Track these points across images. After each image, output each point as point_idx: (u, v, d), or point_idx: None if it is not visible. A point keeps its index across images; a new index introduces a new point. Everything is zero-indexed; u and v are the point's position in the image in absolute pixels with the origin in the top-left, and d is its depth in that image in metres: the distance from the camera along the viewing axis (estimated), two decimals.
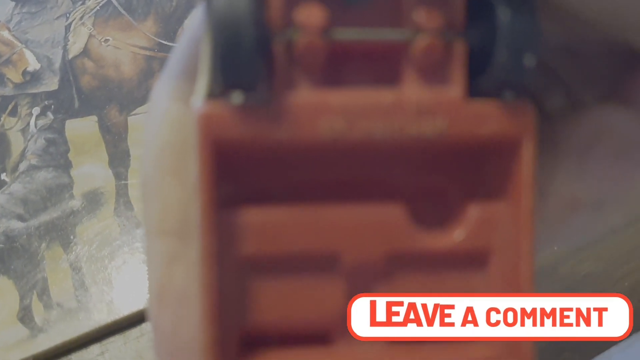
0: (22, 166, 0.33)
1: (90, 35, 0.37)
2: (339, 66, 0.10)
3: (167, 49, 0.36)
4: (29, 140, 0.34)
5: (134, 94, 0.35)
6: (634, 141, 0.12)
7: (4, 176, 0.33)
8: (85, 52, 0.37)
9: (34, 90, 0.35)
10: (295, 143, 0.10)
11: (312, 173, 0.10)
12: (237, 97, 0.09)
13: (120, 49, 0.37)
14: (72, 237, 0.31)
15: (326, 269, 0.10)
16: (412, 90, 0.10)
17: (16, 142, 0.34)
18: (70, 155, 0.33)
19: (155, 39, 0.37)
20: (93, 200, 0.32)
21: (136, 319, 0.29)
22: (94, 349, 0.28)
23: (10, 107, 0.35)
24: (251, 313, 0.10)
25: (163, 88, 0.11)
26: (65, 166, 0.33)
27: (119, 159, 0.33)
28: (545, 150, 0.11)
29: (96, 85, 0.35)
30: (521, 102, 0.10)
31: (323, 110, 0.10)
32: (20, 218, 0.31)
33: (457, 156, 0.11)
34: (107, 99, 0.35)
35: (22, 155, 0.33)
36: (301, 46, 0.09)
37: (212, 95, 0.10)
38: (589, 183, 0.12)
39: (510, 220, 0.10)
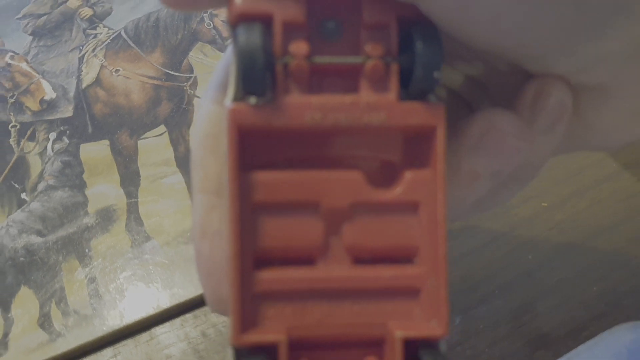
0: (41, 186, 0.36)
1: (102, 66, 0.40)
2: (319, 80, 0.15)
3: (173, 78, 0.39)
4: (46, 163, 0.37)
5: (143, 120, 0.38)
6: (514, 135, 0.16)
7: (24, 195, 0.35)
8: (97, 81, 0.40)
9: (51, 117, 0.38)
10: (289, 128, 0.14)
11: (300, 149, 0.15)
12: (252, 100, 0.14)
13: (130, 78, 0.40)
14: (87, 250, 0.33)
15: (310, 213, 0.15)
16: (364, 94, 0.15)
17: (35, 165, 0.37)
18: (85, 176, 0.36)
19: (162, 69, 0.40)
20: (106, 217, 0.34)
21: (145, 324, 0.31)
22: (107, 352, 0.31)
23: (29, 132, 0.38)
24: (260, 241, 0.15)
25: (206, 95, 0.17)
26: (80, 186, 0.35)
27: (129, 179, 0.36)
28: (453, 137, 0.16)
29: (108, 112, 0.38)
30: (437, 103, 0.15)
31: (307, 107, 0.14)
32: (39, 233, 0.34)
33: (396, 139, 0.16)
34: (118, 125, 0.38)
35: (40, 177, 0.36)
36: (293, 67, 0.14)
37: (236, 98, 0.14)
38: (482, 160, 0.17)
39: (431, 181, 0.15)
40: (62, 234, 0.34)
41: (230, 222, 0.14)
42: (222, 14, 0.42)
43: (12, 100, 0.39)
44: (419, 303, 0.15)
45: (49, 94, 0.39)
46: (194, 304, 0.32)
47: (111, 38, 0.42)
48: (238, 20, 0.14)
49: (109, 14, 0.43)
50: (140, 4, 0.44)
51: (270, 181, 0.15)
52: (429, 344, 0.15)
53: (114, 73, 0.40)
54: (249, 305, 0.15)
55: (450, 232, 0.33)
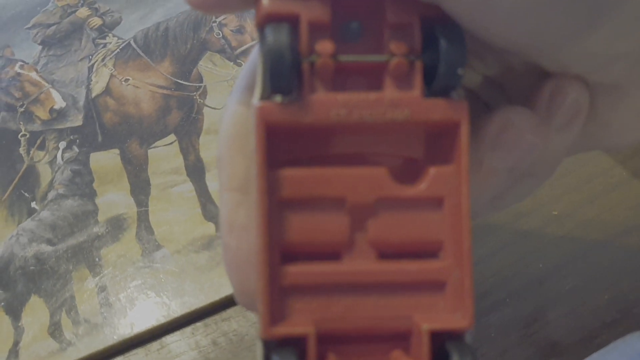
0: (51, 195, 0.36)
1: (112, 76, 0.41)
2: (343, 78, 0.15)
3: (182, 87, 0.40)
4: (56, 172, 0.37)
5: (153, 129, 0.38)
6: (531, 131, 0.17)
7: (34, 204, 0.36)
8: (107, 91, 0.40)
9: (61, 126, 0.39)
10: (315, 124, 0.15)
11: (326, 146, 0.16)
12: (279, 98, 0.15)
13: (140, 87, 0.40)
14: (97, 259, 0.33)
15: (336, 208, 0.15)
16: (388, 91, 0.15)
17: (45, 174, 0.37)
18: (95, 185, 0.36)
19: (172, 78, 0.40)
20: (116, 225, 0.34)
21: (156, 333, 0.31)
22: None
23: (38, 141, 0.38)
24: (287, 236, 0.15)
25: (232, 97, 0.18)
26: (90, 195, 0.36)
27: (139, 188, 0.36)
28: (472, 134, 0.16)
29: (118, 121, 0.39)
30: (460, 100, 0.15)
31: (332, 104, 0.15)
32: (50, 242, 0.34)
33: (419, 136, 0.16)
34: (128, 133, 0.38)
35: (50, 185, 0.36)
36: (319, 65, 0.15)
37: (263, 97, 0.15)
38: (500, 156, 0.17)
39: (455, 176, 0.15)
40: (73, 243, 0.34)
41: (258, 216, 0.15)
42: (230, 23, 0.42)
43: (22, 109, 0.40)
44: (444, 296, 0.16)
45: (59, 103, 0.40)
46: (204, 313, 0.32)
47: (120, 47, 0.42)
48: (266, 21, 0.15)
49: (118, 23, 0.44)
50: (149, 14, 0.44)
51: (297, 177, 0.15)
52: (455, 336, 0.15)
53: (123, 82, 0.40)
54: (277, 299, 0.15)
55: None
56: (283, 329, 0.15)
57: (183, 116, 0.38)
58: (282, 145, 0.16)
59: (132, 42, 0.42)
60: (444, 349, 0.15)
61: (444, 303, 0.16)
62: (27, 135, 0.38)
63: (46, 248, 0.34)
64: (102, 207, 0.35)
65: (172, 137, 0.38)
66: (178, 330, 0.31)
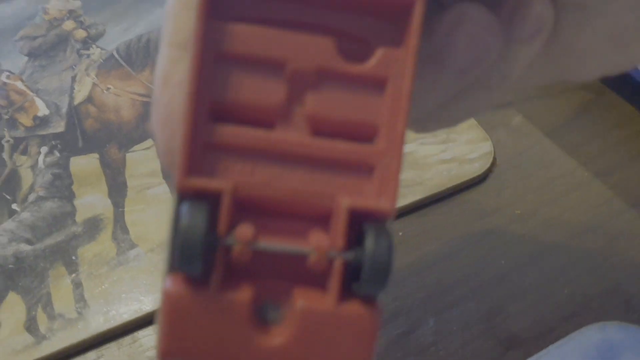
0: (31, 197, 0.37)
1: (94, 84, 0.42)
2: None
3: None
4: (37, 175, 0.38)
5: (132, 135, 0.39)
6: (486, 28, 0.16)
7: (14, 206, 0.37)
8: (89, 99, 0.41)
9: (43, 132, 0.40)
10: None
11: (276, 9, 0.15)
12: None
13: (120, 96, 0.41)
14: (73, 257, 0.34)
15: (275, 73, 0.15)
16: None
17: (26, 177, 0.38)
18: (74, 187, 0.37)
19: (152, 86, 0.41)
20: (93, 225, 0.35)
21: (129, 328, 0.32)
22: (91, 354, 0.31)
23: (21, 147, 0.39)
24: (220, 92, 0.15)
25: None
26: (69, 197, 0.37)
27: (117, 191, 0.37)
28: (427, 28, 0.16)
29: (98, 127, 0.40)
30: None
31: None
32: (28, 242, 0.35)
33: (374, 14, 0.15)
34: (107, 139, 0.39)
35: (31, 188, 0.37)
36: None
37: None
38: (452, 51, 0.16)
39: (403, 59, 0.15)
40: (51, 242, 0.35)
41: (191, 66, 0.14)
42: None
43: (7, 116, 0.41)
44: (371, 180, 0.15)
45: (42, 110, 0.41)
46: None
47: (103, 58, 0.44)
48: None
49: (102, 35, 0.45)
50: (132, 26, 0.45)
51: (239, 32, 0.14)
52: (375, 220, 0.15)
53: (105, 91, 0.42)
54: (198, 153, 0.14)
55: (427, 237, 0.34)
56: (198, 181, 0.14)
57: None
58: (230, 1, 0.15)
59: (114, 53, 0.44)
60: (361, 230, 0.15)
61: (370, 187, 0.15)
62: (11, 141, 0.40)
63: (25, 247, 0.35)
64: (80, 209, 0.36)
65: (149, 142, 0.39)
66: (150, 326, 0.32)
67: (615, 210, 0.35)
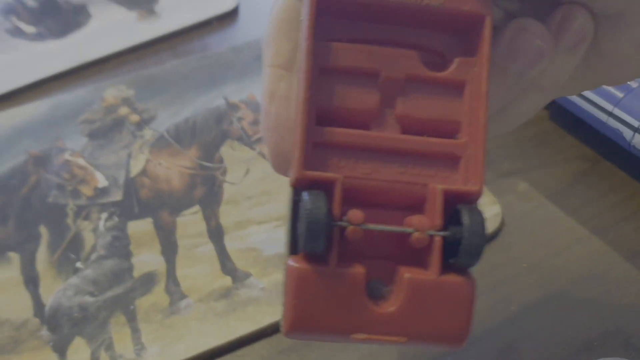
0: (93, 256, 0.42)
1: (147, 160, 0.48)
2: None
3: (206, 168, 0.47)
4: (98, 237, 0.43)
5: (181, 201, 0.45)
6: (540, 37, 0.19)
7: (78, 264, 0.42)
8: (143, 172, 0.47)
9: (103, 201, 0.45)
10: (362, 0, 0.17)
11: (366, 30, 0.18)
12: None
13: (171, 169, 0.47)
14: (131, 307, 0.39)
15: (370, 81, 0.17)
16: None
17: (88, 239, 0.43)
18: (131, 247, 0.42)
19: (198, 161, 0.47)
20: (148, 280, 0.40)
21: None
22: None
23: (84, 213, 0.45)
24: (324, 100, 0.17)
25: None
26: (127, 255, 0.42)
27: (169, 249, 0.42)
28: (492, 40, 0.19)
29: (152, 195, 0.45)
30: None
31: None
32: (91, 294, 0.40)
33: (448, 29, 0.18)
34: (160, 205, 0.45)
35: (93, 248, 0.42)
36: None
37: None
38: (512, 57, 0.19)
39: (478, 64, 0.18)
40: (111, 295, 0.40)
41: (301, 80, 0.16)
42: (248, 117, 0.50)
43: (71, 188, 0.47)
44: (458, 170, 0.17)
45: (102, 182, 0.47)
46: (223, 350, 0.37)
47: (155, 138, 0.50)
48: None
49: (154, 119, 0.52)
50: (180, 111, 0.52)
51: (338, 49, 0.17)
52: (466, 201, 0.17)
53: (157, 165, 0.47)
54: (310, 151, 0.16)
55: None
56: (314, 173, 0.16)
57: (206, 190, 0.45)
58: (328, 23, 0.17)
59: (165, 134, 0.50)
60: (455, 212, 0.16)
61: (458, 175, 0.17)
62: (75, 209, 0.45)
63: (89, 299, 0.39)
64: (137, 265, 0.41)
65: (197, 208, 0.44)
66: None
67: (612, 262, 0.39)
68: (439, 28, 0.18)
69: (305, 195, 0.16)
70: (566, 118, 0.47)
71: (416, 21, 0.18)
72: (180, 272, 0.40)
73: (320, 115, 0.17)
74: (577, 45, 0.20)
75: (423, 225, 0.17)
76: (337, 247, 0.16)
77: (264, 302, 0.39)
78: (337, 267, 0.16)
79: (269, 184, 0.45)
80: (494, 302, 0.38)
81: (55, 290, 0.40)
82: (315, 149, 0.17)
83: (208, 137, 0.49)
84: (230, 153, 0.48)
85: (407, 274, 0.17)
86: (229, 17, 0.61)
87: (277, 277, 0.40)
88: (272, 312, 0.38)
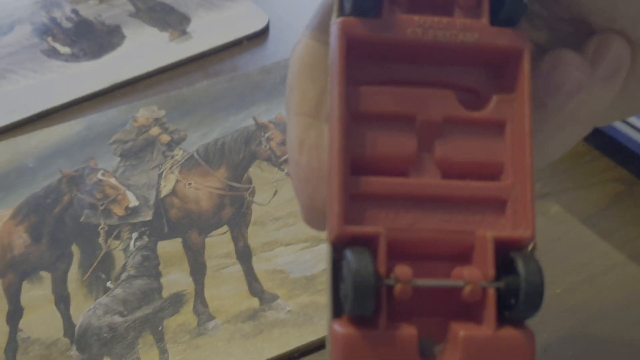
0: (123, 276, 0.42)
1: (177, 180, 0.48)
2: (417, 3, 0.16)
3: (235, 189, 0.47)
4: (128, 257, 0.43)
5: (210, 221, 0.45)
6: (578, 68, 0.18)
7: (109, 284, 0.42)
8: (173, 192, 0.48)
9: (134, 221, 0.46)
10: (393, 40, 0.16)
11: (398, 70, 0.17)
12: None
13: (200, 189, 0.47)
14: (160, 328, 0.39)
15: (406, 126, 0.16)
16: (459, 18, 0.16)
17: (119, 258, 0.44)
18: (160, 267, 0.42)
19: (227, 181, 0.48)
20: (177, 300, 0.40)
21: None
22: None
23: (115, 233, 0.45)
24: (359, 148, 0.16)
25: (305, 33, 0.19)
26: (156, 275, 0.42)
27: (197, 270, 0.42)
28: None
29: (181, 216, 0.46)
30: (522, 31, 0.17)
31: (410, 23, 0.16)
32: (121, 314, 0.40)
33: (483, 66, 0.17)
34: (189, 226, 0.45)
35: (123, 268, 0.43)
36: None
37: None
38: (549, 91, 0.18)
39: (518, 100, 0.17)
40: (140, 315, 0.40)
41: (333, 128, 0.15)
42: (276, 138, 0.50)
43: (102, 207, 0.47)
44: (505, 214, 0.16)
45: (133, 202, 0.47)
46: None
47: (185, 158, 0.50)
48: None
49: (184, 139, 0.52)
50: (209, 132, 0.52)
51: (372, 93, 0.16)
52: (517, 248, 0.15)
53: (187, 185, 0.48)
54: (347, 204, 0.15)
55: None
56: (355, 228, 0.15)
57: (235, 211, 0.45)
58: (358, 66, 0.16)
59: (195, 154, 0.50)
60: (507, 260, 0.15)
61: (505, 220, 0.16)
62: (106, 228, 0.46)
63: (118, 319, 0.40)
64: (166, 285, 0.41)
65: (225, 228, 0.44)
66: None
67: None
68: (472, 64, 0.18)
69: (348, 254, 0.15)
70: (601, 139, 0.46)
71: (449, 59, 0.17)
72: (208, 293, 0.41)
73: (355, 164, 0.16)
74: (615, 75, 0.19)
75: (475, 278, 0.16)
76: (386, 307, 0.15)
77: (291, 325, 0.38)
78: (387, 330, 0.15)
79: (296, 206, 0.45)
80: None
81: (85, 310, 0.41)
82: (353, 201, 0.16)
83: (237, 157, 0.49)
84: (259, 174, 0.48)
85: (461, 331, 0.16)
86: (259, 37, 0.61)
87: (303, 299, 0.40)
88: (298, 335, 0.38)
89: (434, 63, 0.17)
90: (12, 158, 0.52)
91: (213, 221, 0.45)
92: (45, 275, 0.43)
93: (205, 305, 0.40)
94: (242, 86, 0.56)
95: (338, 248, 0.16)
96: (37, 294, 0.42)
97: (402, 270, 0.15)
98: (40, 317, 0.40)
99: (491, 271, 0.15)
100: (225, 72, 0.58)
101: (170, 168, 0.50)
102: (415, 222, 0.16)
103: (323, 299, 0.39)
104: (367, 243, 0.15)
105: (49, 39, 0.64)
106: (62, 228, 0.46)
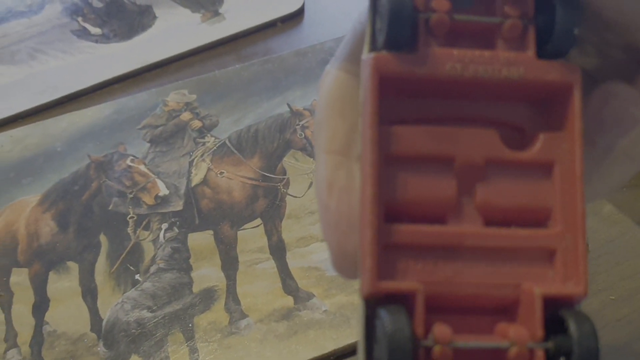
0: (153, 269, 0.41)
1: (209, 169, 0.47)
2: (456, 37, 0.15)
3: (268, 179, 0.45)
4: (158, 249, 0.42)
5: (242, 213, 0.43)
6: (633, 103, 0.17)
7: (137, 276, 0.41)
8: (204, 181, 0.46)
9: (164, 210, 0.44)
10: (430, 77, 0.15)
11: (435, 107, 0.16)
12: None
13: (232, 179, 0.46)
14: (190, 325, 0.38)
15: (444, 168, 0.15)
16: (502, 51, 0.15)
17: (148, 250, 0.42)
18: (191, 261, 0.41)
19: (260, 171, 0.46)
20: (208, 296, 0.39)
21: None
22: None
23: (144, 223, 0.44)
24: (393, 194, 0.15)
25: (333, 64, 0.18)
26: (186, 269, 0.40)
27: (229, 264, 0.40)
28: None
29: (213, 207, 0.44)
30: (572, 64, 0.15)
31: (448, 58, 0.15)
32: (150, 309, 0.39)
33: (528, 101, 0.16)
34: (221, 217, 0.43)
35: (153, 260, 0.41)
36: (434, 21, 0.15)
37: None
38: (601, 129, 0.17)
39: (568, 140, 0.15)
40: (169, 311, 0.38)
41: (365, 171, 0.14)
42: (312, 126, 0.48)
43: (131, 195, 0.46)
44: (554, 265, 0.15)
45: (163, 191, 0.46)
46: None
47: (217, 146, 0.48)
48: None
49: (216, 125, 0.50)
50: (242, 118, 0.50)
51: (407, 134, 0.15)
52: (568, 304, 0.14)
53: (218, 175, 0.46)
54: (382, 256, 0.14)
55: None
56: (390, 284, 0.14)
57: (268, 203, 0.43)
58: (391, 103, 0.15)
59: (227, 142, 0.49)
60: (556, 318, 0.14)
61: (554, 272, 0.15)
62: (135, 218, 0.44)
63: (146, 314, 0.38)
64: (197, 280, 0.40)
65: (258, 221, 0.43)
66: None
67: None
68: (517, 100, 0.16)
69: (383, 314, 0.14)
70: None
71: (492, 95, 0.16)
72: (240, 289, 0.39)
73: (388, 210, 0.15)
74: None
75: (522, 338, 0.14)
76: None
77: (327, 326, 0.37)
78: None
79: None
80: None
81: (113, 303, 0.39)
82: (387, 252, 0.15)
83: (270, 146, 0.47)
84: (293, 164, 0.46)
85: None
86: (294, 18, 0.59)
87: (340, 299, 0.38)
88: (335, 337, 0.36)
89: (474, 99, 0.16)
90: (40, 141, 0.50)
91: (246, 213, 0.43)
92: (72, 266, 0.42)
93: (237, 302, 0.38)
94: (276, 70, 0.54)
95: (371, 304, 0.14)
96: (63, 286, 0.40)
97: (441, 330, 0.14)
98: (67, 310, 0.39)
99: (539, 331, 0.14)
100: (258, 55, 0.56)
101: (202, 156, 0.48)
102: (455, 274, 0.14)
103: None
104: (402, 299, 0.14)
105: (80, 19, 0.62)
106: (89, 216, 0.45)
